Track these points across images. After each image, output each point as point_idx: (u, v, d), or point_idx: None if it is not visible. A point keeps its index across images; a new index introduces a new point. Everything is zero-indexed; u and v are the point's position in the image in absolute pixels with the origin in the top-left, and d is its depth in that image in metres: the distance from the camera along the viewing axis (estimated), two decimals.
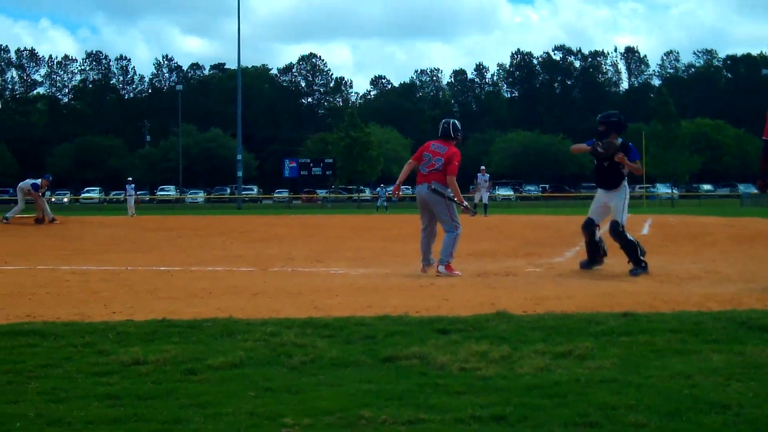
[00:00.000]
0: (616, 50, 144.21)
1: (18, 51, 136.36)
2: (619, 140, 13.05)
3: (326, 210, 65.57)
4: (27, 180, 27.40)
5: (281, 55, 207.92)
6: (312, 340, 6.85)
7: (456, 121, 13.46)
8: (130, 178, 53.06)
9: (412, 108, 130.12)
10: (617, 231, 12.89)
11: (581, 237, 13.71)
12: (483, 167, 41.86)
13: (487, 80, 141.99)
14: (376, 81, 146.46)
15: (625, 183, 13.21)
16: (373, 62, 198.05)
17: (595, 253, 13.26)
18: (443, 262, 12.64)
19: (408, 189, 60.52)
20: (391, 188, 14.13)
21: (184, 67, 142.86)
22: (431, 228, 13.20)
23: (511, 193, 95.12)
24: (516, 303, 9.04)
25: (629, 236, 12.95)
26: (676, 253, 16.73)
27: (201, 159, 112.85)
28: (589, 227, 13.21)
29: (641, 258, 12.77)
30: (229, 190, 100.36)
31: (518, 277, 12.17)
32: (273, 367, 6.03)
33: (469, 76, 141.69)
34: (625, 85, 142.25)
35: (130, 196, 48.04)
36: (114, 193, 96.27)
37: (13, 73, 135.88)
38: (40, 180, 26.83)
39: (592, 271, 12.93)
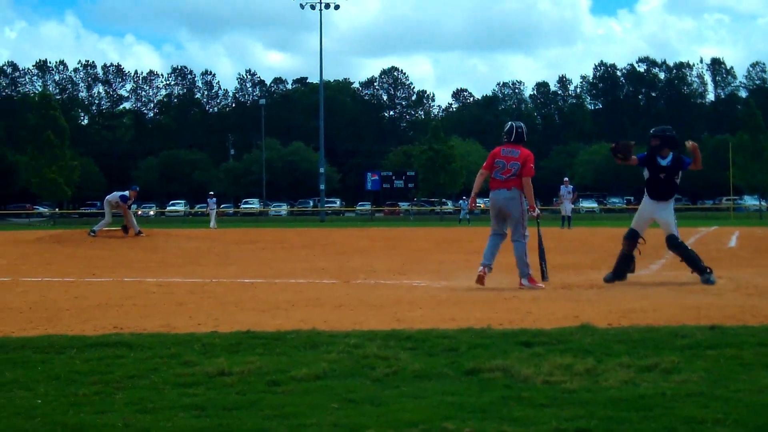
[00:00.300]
0: (701, 61, 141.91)
1: (104, 66, 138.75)
2: (671, 154, 13.12)
3: (408, 222, 65.60)
4: (114, 193, 27.30)
5: (363, 69, 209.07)
6: (395, 352, 6.85)
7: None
8: (212, 192, 53.71)
9: (493, 120, 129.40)
10: (675, 243, 12.99)
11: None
12: (566, 179, 41.57)
13: (570, 92, 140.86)
14: (458, 94, 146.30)
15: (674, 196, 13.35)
16: (454, 75, 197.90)
17: (624, 267, 13.14)
18: (525, 275, 12.54)
19: (485, 200, 60.14)
20: None
21: (267, 82, 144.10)
22: (502, 235, 13.08)
23: (596, 205, 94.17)
24: (600, 316, 8.95)
25: (688, 247, 13.05)
26: (764, 265, 16.43)
27: (284, 172, 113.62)
28: (634, 238, 13.13)
29: (704, 265, 12.75)
30: (312, 203, 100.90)
31: (602, 290, 12.04)
32: (356, 379, 6.04)
33: (552, 88, 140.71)
34: (711, 96, 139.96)
35: (212, 209, 48.57)
36: (198, 206, 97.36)
37: (99, 88, 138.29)
38: (128, 192, 26.91)
39: (677, 284, 12.73)
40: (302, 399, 5.50)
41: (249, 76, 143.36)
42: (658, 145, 13.42)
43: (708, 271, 12.67)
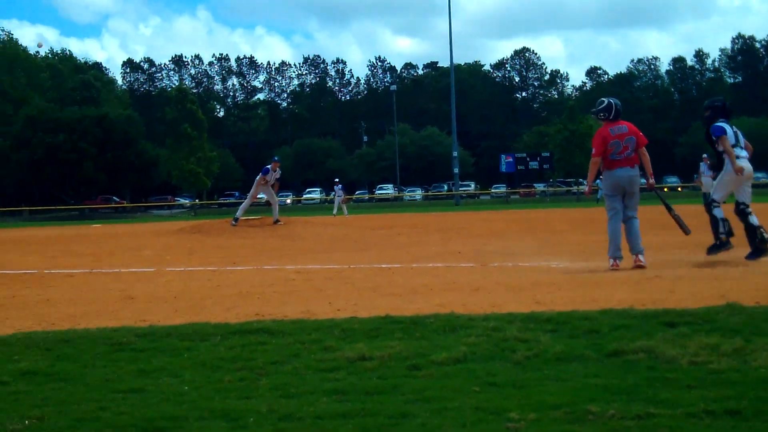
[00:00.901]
0: None
1: (238, 59, 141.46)
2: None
3: (545, 204, 65.05)
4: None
5: (493, 51, 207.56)
6: (535, 334, 6.78)
7: None
8: (337, 179, 54.07)
9: (629, 98, 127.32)
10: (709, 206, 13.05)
11: None
12: (705, 155, 40.54)
13: (707, 66, 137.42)
14: (592, 72, 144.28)
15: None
16: (586, 53, 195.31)
17: (755, 240, 12.72)
18: (642, 252, 12.31)
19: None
20: None
21: (398, 68, 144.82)
22: (621, 213, 12.79)
23: None
24: (747, 294, 8.70)
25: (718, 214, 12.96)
26: None
27: (417, 157, 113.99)
28: (744, 211, 12.79)
29: (720, 237, 12.81)
30: (446, 187, 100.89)
31: (748, 268, 11.70)
32: (496, 362, 6.00)
33: (689, 62, 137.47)
34: None
35: (338, 197, 48.88)
36: (333, 192, 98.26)
37: (233, 80, 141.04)
38: (270, 164, 26.56)
39: None
40: (443, 383, 5.49)
41: (379, 63, 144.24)
42: (710, 115, 13.19)
43: (719, 243, 12.72)
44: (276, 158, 27.20)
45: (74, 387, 5.77)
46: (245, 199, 27.89)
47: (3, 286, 12.74)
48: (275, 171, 26.55)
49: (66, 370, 6.27)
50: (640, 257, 12.26)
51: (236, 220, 26.26)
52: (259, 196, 27.55)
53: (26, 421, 4.96)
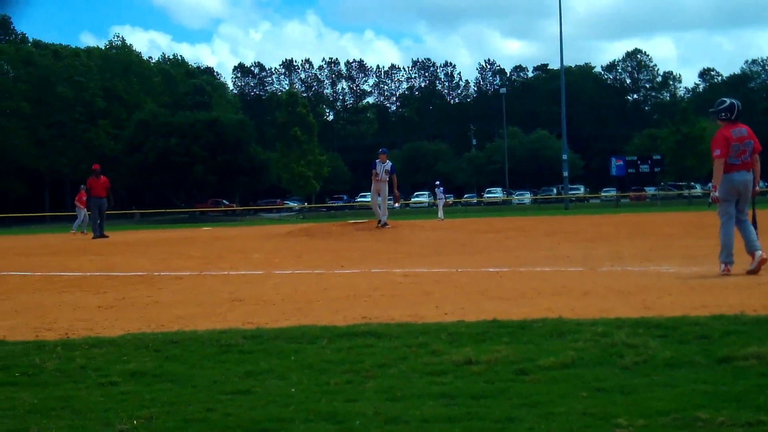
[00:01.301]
0: None
1: (347, 63, 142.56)
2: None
3: (655, 207, 64.06)
4: None
5: (604, 52, 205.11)
6: (644, 340, 6.70)
7: None
8: (438, 182, 53.89)
9: (743, 99, 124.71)
10: None
11: None
12: None
13: None
14: (705, 74, 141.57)
15: None
16: (699, 54, 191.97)
17: None
18: (761, 248, 12.07)
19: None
20: None
21: (507, 70, 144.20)
22: (734, 218, 12.52)
23: None
24: None
25: None
26: None
27: (527, 160, 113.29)
28: None
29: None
30: (555, 191, 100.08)
31: None
32: (604, 368, 5.95)
33: None
34: None
35: (440, 200, 48.60)
36: (447, 196, 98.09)
37: (343, 84, 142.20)
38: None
39: None
40: (550, 387, 5.47)
41: (488, 66, 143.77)
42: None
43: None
44: (382, 150, 26.88)
45: (182, 388, 5.89)
46: (363, 200, 27.41)
47: (113, 288, 13.04)
48: (384, 162, 26.25)
49: (174, 371, 6.40)
50: (759, 252, 11.98)
51: (380, 222, 25.91)
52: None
53: (134, 421, 5.08)
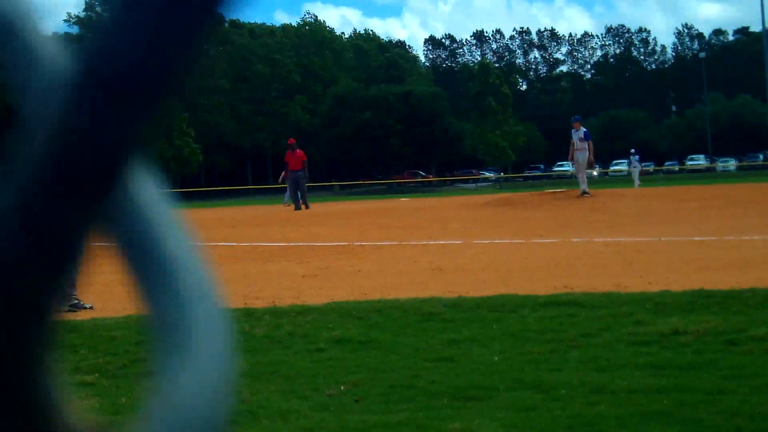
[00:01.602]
0: None
1: (539, 32, 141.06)
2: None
3: None
4: None
5: None
6: None
7: None
8: (633, 150, 52.60)
9: None
10: None
11: None
12: None
13: None
14: None
15: None
16: None
17: None
18: None
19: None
20: None
21: (706, 34, 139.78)
22: None
23: None
24: None
25: None
26: None
27: (730, 126, 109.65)
28: None
29: None
30: (761, 157, 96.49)
31: None
32: None
33: None
34: None
35: (634, 167, 47.45)
36: (644, 164, 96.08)
37: (535, 53, 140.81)
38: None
39: None
40: (763, 359, 5.27)
41: (686, 30, 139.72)
42: None
43: None
44: (575, 117, 26.69)
45: (386, 355, 5.96)
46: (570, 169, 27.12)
47: (316, 258, 13.32)
48: (578, 130, 25.96)
49: (378, 338, 6.49)
50: None
51: (584, 192, 25.73)
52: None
53: (341, 387, 5.16)
